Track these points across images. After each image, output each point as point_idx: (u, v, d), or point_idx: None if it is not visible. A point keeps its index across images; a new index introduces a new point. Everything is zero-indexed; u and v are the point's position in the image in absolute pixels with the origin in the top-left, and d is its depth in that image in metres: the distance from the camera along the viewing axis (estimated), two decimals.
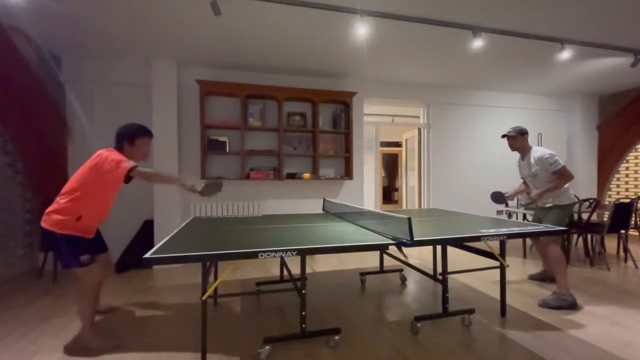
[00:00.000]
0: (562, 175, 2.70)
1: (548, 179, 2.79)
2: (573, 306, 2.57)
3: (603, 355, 1.92)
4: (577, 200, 2.97)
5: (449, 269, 2.36)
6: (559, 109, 5.90)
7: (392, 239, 1.86)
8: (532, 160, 2.85)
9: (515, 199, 4.53)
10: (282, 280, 3.13)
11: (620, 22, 3.10)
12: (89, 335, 2.03)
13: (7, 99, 3.16)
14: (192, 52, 3.74)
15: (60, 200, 1.98)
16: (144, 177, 2.00)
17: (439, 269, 2.43)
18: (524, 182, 3.12)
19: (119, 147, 2.08)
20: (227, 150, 4.21)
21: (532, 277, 3.33)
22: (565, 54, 3.55)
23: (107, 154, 1.98)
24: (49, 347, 2.04)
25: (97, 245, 2.22)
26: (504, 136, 3.00)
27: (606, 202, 5.86)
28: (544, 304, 2.61)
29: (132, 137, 2.09)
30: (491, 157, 5.51)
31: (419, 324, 2.20)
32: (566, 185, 2.80)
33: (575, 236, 4.45)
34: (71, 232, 1.95)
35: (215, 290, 2.48)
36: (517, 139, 2.94)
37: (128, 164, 1.94)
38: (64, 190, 2.01)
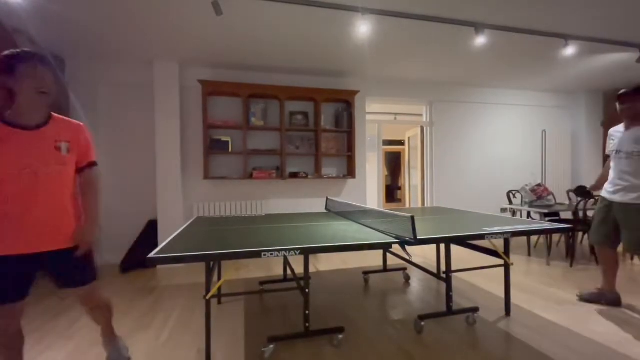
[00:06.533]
0: None
1: None
2: (614, 302, 2.55)
3: (610, 354, 1.90)
4: None
5: (453, 268, 2.34)
6: (563, 105, 5.85)
7: (396, 238, 1.85)
8: None
9: (520, 196, 4.50)
10: (285, 279, 3.13)
11: (625, 17, 3.06)
12: None
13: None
14: (194, 53, 3.74)
15: None
16: None
17: (443, 268, 2.42)
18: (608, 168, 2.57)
19: None
20: (230, 150, 4.21)
21: (583, 298, 2.66)
22: (570, 50, 3.51)
23: None
24: (56, 345, 2.05)
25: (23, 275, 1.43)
26: (622, 95, 2.33)
27: None
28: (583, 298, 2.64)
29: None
30: (494, 154, 5.48)
31: (422, 323, 2.19)
32: None
33: (580, 234, 4.41)
34: None
35: (219, 289, 2.48)
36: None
37: None
38: None
